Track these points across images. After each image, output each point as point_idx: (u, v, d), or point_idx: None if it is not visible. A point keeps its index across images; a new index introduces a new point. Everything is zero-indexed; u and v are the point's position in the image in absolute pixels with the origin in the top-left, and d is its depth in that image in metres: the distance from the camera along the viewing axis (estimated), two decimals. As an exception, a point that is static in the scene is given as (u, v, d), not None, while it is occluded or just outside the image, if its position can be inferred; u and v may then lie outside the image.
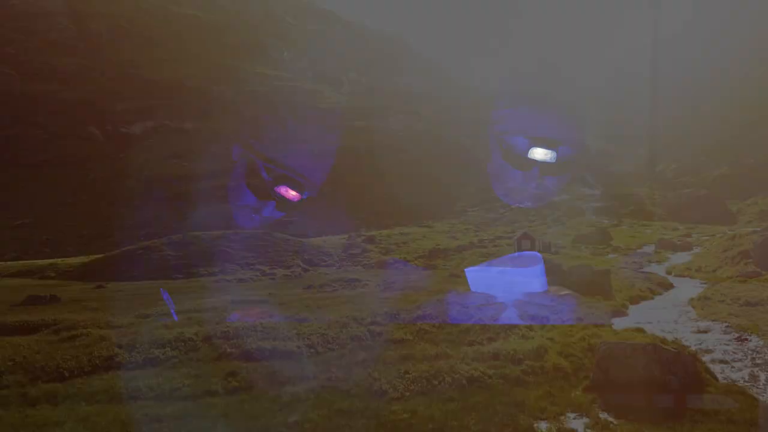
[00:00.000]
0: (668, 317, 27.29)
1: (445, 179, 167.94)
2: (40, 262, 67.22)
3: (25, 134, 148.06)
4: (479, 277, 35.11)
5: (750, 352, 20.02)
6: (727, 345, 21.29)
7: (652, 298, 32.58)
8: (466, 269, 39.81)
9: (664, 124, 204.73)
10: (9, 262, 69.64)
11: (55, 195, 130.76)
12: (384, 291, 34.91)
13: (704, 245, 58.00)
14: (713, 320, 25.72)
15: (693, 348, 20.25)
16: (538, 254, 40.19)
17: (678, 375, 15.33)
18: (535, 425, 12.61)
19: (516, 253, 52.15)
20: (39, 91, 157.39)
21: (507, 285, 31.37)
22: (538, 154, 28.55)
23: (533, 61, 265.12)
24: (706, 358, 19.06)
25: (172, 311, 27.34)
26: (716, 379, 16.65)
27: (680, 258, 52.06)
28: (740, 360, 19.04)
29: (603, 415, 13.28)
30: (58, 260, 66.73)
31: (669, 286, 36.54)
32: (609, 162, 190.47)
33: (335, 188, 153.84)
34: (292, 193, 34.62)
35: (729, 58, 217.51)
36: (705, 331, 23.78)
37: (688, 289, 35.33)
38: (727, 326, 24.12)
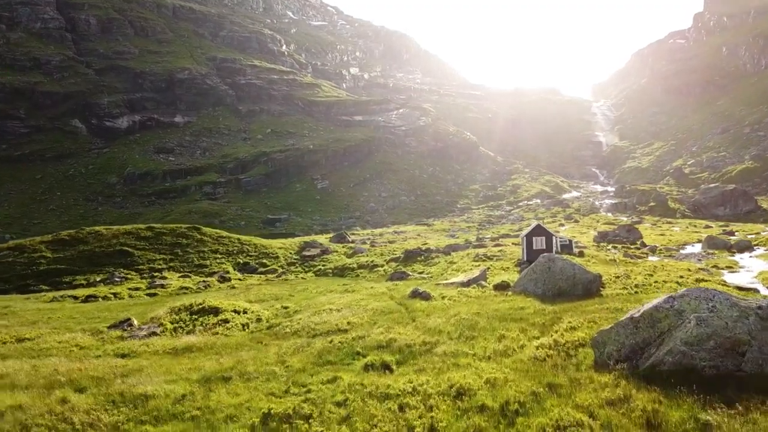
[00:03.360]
0: None
1: (448, 175, 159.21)
2: None
3: (2, 128, 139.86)
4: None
5: None
6: None
7: None
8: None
9: (678, 119, 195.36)
10: None
11: (30, 191, 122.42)
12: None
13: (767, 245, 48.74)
14: None
15: None
16: (558, 259, 30.56)
17: None
18: None
19: (525, 259, 41.49)
20: (20, 83, 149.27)
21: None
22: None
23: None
24: None
25: None
26: None
27: (752, 262, 41.26)
28: None
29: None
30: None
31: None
32: (622, 157, 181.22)
33: (333, 184, 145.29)
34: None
35: (744, 51, 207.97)
36: None
37: None
38: None
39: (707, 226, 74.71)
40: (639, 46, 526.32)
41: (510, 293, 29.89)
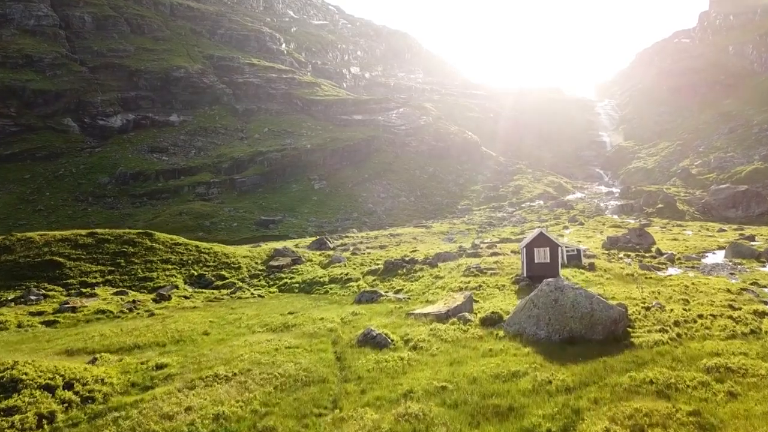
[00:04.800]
0: None
1: (449, 176, 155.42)
2: None
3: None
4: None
5: None
6: None
7: None
8: None
9: (683, 118, 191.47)
10: None
11: (18, 191, 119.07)
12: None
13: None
14: None
15: None
16: (568, 288, 22.51)
17: None
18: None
19: (525, 275, 34.91)
20: (11, 80, 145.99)
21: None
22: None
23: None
24: None
25: None
26: None
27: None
28: None
29: None
30: None
31: None
32: (626, 158, 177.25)
33: (330, 184, 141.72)
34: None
35: (752, 50, 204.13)
36: None
37: None
38: None
39: (721, 230, 70.88)
40: (644, 45, 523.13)
41: (502, 333, 22.15)
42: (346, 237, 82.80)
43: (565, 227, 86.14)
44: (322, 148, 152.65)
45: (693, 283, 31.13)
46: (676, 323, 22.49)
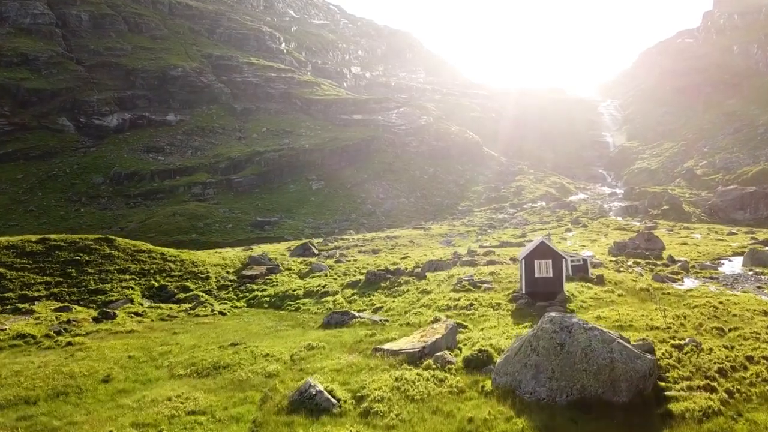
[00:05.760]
0: None
1: (450, 176, 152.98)
2: None
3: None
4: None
5: None
6: None
7: None
8: None
9: (687, 119, 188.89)
10: None
11: (10, 192, 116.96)
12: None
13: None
14: None
15: None
16: (577, 327, 17.31)
17: None
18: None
19: (524, 291, 30.29)
20: (4, 79, 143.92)
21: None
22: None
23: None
24: None
25: None
26: None
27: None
28: None
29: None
30: None
31: None
32: (630, 158, 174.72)
33: (329, 184, 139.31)
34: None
35: (757, 49, 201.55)
36: None
37: None
38: None
39: (731, 233, 68.44)
40: (647, 45, 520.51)
41: (489, 386, 17.14)
42: (342, 239, 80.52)
43: (568, 230, 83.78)
44: (321, 148, 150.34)
45: (721, 302, 27.33)
46: (722, 372, 17.54)
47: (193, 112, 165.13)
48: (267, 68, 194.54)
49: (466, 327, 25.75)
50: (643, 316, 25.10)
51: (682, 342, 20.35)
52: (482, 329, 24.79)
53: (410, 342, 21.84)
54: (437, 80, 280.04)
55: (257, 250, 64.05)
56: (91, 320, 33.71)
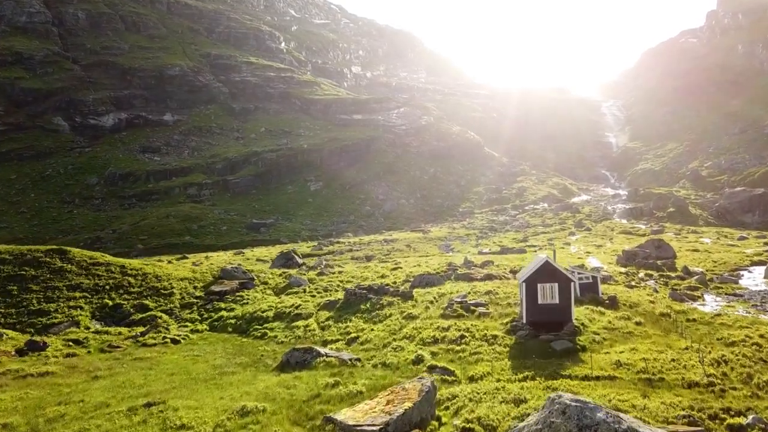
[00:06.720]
0: None
1: (451, 177, 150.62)
2: None
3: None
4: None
5: None
6: None
7: None
8: None
9: (691, 119, 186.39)
10: None
11: (2, 192, 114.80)
12: None
13: None
14: None
15: None
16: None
17: None
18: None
19: (525, 321, 26.09)
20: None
21: None
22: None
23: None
24: None
25: None
26: None
27: None
28: None
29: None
30: None
31: None
32: (633, 159, 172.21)
33: (327, 185, 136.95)
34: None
35: (761, 49, 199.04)
36: None
37: None
38: None
39: (742, 237, 65.92)
40: (649, 44, 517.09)
41: None
42: (337, 243, 78.25)
43: (572, 233, 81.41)
44: (320, 148, 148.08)
45: (763, 336, 22.88)
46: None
47: (191, 112, 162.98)
48: (266, 68, 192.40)
49: (452, 374, 21.79)
50: (673, 361, 21.22)
51: (744, 423, 14.85)
52: (472, 378, 21.16)
53: (373, 410, 16.98)
54: (439, 80, 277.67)
55: (249, 254, 61.86)
56: (14, 353, 28.55)
